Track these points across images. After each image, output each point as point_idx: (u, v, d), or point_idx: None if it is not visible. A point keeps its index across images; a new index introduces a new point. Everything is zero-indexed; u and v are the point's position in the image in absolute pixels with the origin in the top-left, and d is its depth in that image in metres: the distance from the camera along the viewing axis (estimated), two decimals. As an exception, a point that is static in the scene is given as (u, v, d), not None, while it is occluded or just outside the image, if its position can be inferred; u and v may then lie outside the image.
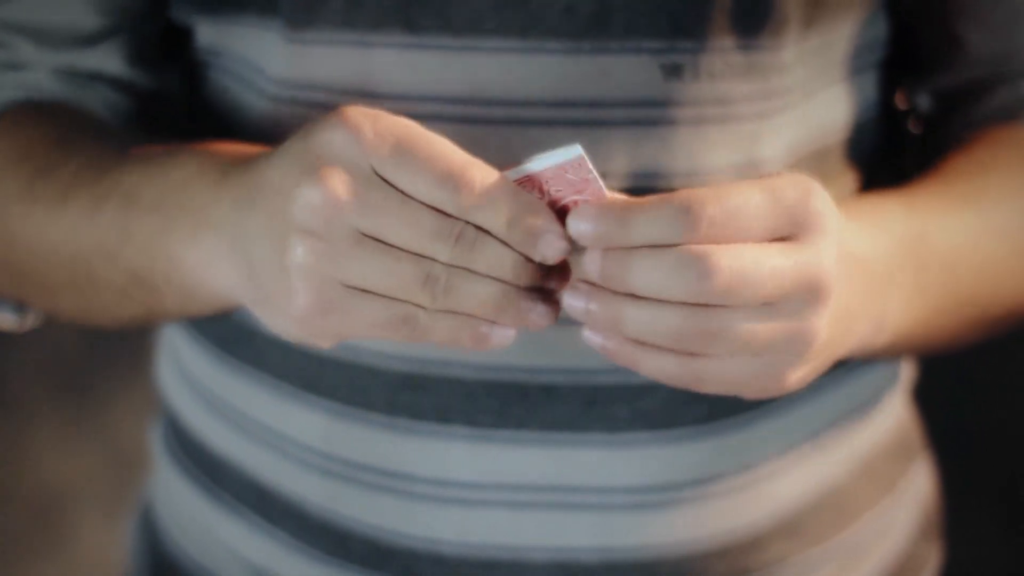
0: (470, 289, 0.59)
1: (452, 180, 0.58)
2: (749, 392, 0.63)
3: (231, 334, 0.78)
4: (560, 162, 0.59)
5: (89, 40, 0.77)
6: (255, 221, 0.62)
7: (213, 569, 0.82)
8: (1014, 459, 1.51)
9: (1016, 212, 0.75)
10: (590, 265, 0.59)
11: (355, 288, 0.60)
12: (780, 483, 0.76)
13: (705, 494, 0.74)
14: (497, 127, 0.69)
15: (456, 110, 0.70)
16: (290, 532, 0.77)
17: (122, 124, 0.79)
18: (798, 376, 0.62)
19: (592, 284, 0.60)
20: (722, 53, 0.69)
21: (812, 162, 0.75)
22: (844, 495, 0.79)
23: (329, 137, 0.59)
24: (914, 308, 0.70)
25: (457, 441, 0.72)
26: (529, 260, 0.60)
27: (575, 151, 0.59)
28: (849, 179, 0.77)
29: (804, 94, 0.73)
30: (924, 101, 0.82)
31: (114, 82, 0.78)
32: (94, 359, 1.73)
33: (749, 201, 0.58)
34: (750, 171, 0.71)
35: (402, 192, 0.59)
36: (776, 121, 0.72)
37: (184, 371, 0.83)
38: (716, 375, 0.61)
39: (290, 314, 0.61)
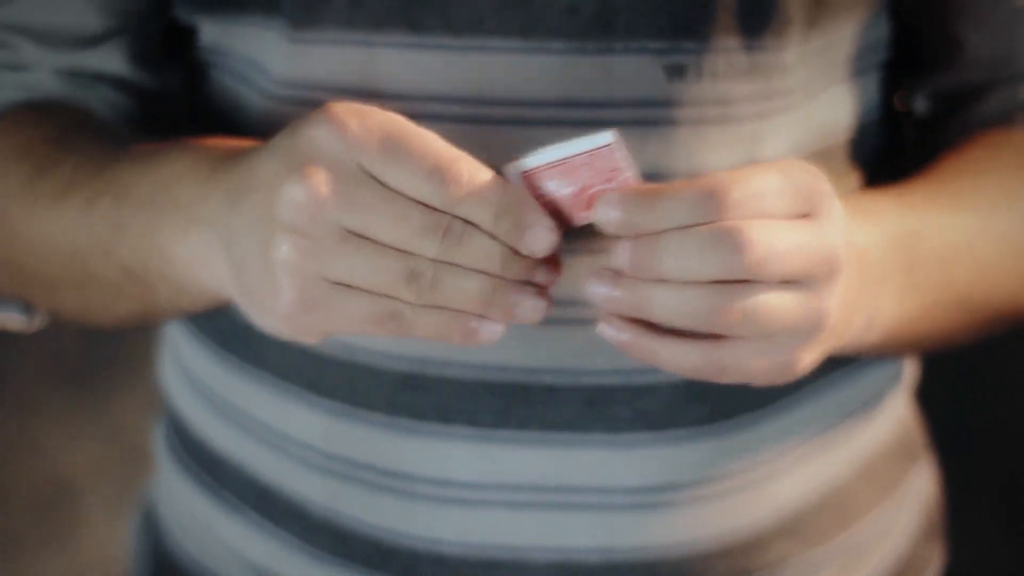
0: (456, 284, 0.60)
1: (439, 173, 0.58)
2: (765, 378, 0.63)
3: (232, 333, 0.78)
4: (591, 148, 0.59)
5: (91, 41, 0.77)
6: (242, 217, 0.62)
7: (214, 569, 0.82)
8: (1015, 459, 1.51)
9: (1013, 213, 0.75)
10: (620, 254, 0.59)
11: (340, 284, 0.60)
12: (782, 483, 0.76)
13: (706, 494, 0.74)
14: (499, 127, 0.69)
15: (458, 110, 0.70)
16: (291, 532, 0.77)
17: (124, 124, 0.79)
18: (809, 360, 0.63)
19: (617, 270, 0.60)
20: (725, 53, 0.69)
21: (815, 163, 0.74)
22: (846, 495, 0.79)
23: (315, 133, 0.60)
24: (905, 306, 0.70)
25: (458, 441, 0.72)
26: (518, 253, 0.60)
27: (607, 137, 0.59)
28: (852, 180, 0.77)
29: (806, 95, 0.73)
30: (920, 104, 0.82)
31: (116, 82, 0.78)
32: (100, 354, 1.74)
33: (768, 183, 0.59)
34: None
35: (389, 187, 0.59)
36: (777, 121, 0.72)
37: (185, 370, 0.83)
38: (736, 361, 0.61)
39: (275, 311, 0.61)
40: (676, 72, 0.69)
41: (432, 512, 0.73)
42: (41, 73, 0.77)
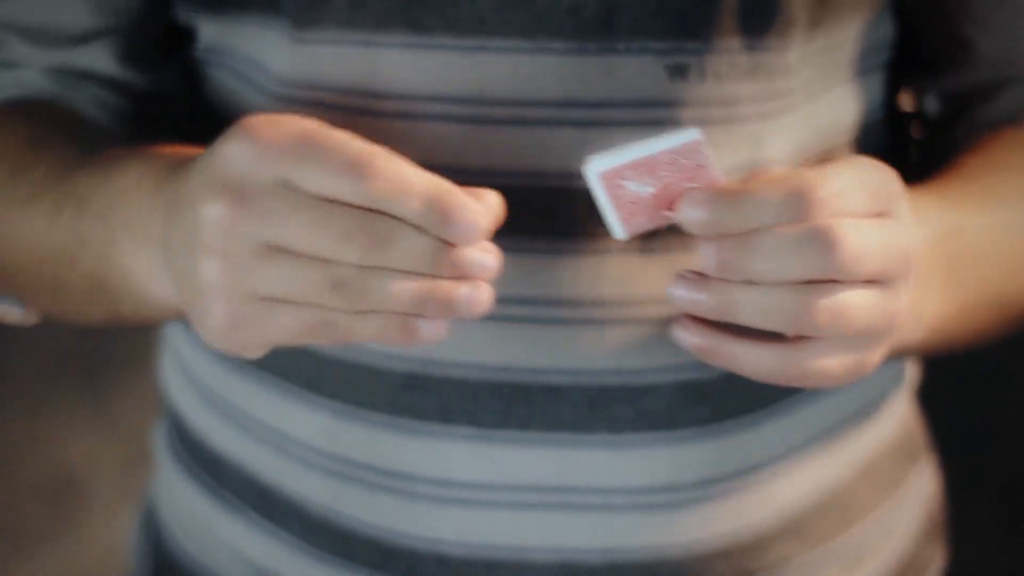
0: (385, 288, 0.58)
1: (356, 170, 0.57)
2: (839, 380, 0.62)
3: (233, 333, 0.78)
4: (675, 145, 0.58)
5: (81, 39, 0.77)
6: (176, 235, 0.62)
7: (215, 569, 0.81)
8: (1016, 459, 1.51)
9: None
10: (706, 256, 0.59)
11: (268, 299, 0.59)
12: (784, 484, 0.76)
13: (708, 495, 0.73)
14: (502, 127, 0.69)
15: (460, 110, 0.69)
16: (292, 532, 0.77)
17: (116, 123, 0.79)
18: (878, 359, 0.63)
19: (699, 273, 0.59)
20: (728, 54, 0.69)
21: (818, 163, 0.74)
22: (848, 496, 0.79)
23: (228, 150, 0.59)
24: (947, 304, 0.70)
25: (460, 441, 0.72)
26: (452, 246, 0.59)
27: (692, 134, 0.58)
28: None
29: (809, 95, 0.73)
30: (932, 104, 0.82)
31: (106, 81, 0.78)
32: (104, 349, 1.74)
33: (848, 181, 0.59)
34: (754, 172, 0.71)
35: (311, 194, 0.58)
36: (780, 122, 0.72)
37: (186, 370, 0.83)
38: (815, 362, 0.61)
39: (210, 329, 0.61)
40: (678, 72, 0.69)
41: (433, 512, 0.73)
42: (30, 71, 0.77)
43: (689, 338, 0.61)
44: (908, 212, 0.62)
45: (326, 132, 0.58)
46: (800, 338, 0.61)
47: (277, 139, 0.58)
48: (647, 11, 0.68)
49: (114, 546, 1.70)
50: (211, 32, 0.77)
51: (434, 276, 0.59)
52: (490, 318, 0.70)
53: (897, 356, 0.73)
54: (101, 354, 1.74)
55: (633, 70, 0.69)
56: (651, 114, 0.69)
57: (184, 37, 0.80)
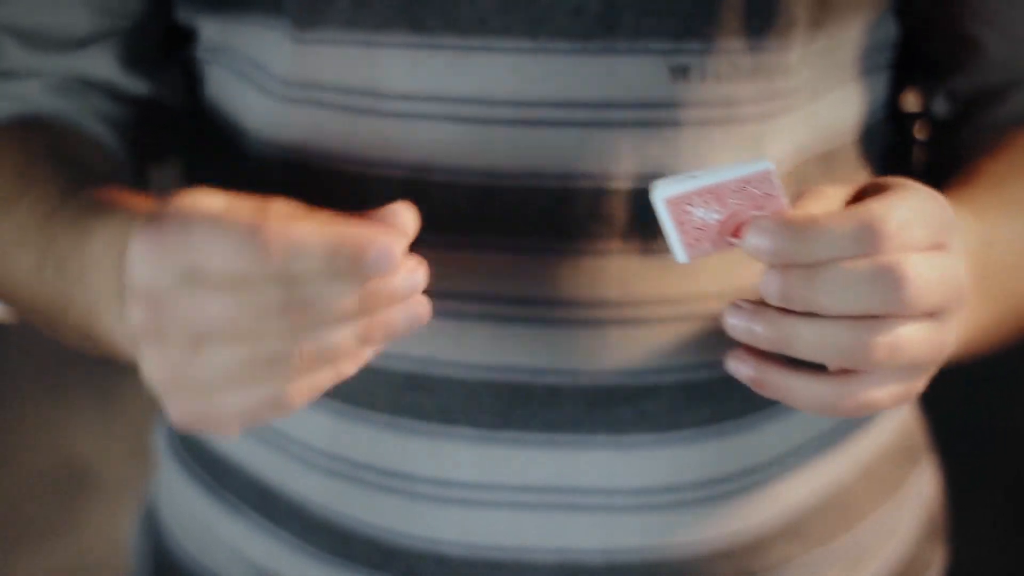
0: (324, 345, 0.57)
1: (250, 245, 0.55)
2: (888, 409, 0.62)
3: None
4: (746, 174, 0.58)
5: (80, 42, 0.76)
6: (127, 328, 0.61)
7: (215, 569, 0.82)
8: (1017, 459, 1.50)
9: None
10: (769, 285, 0.58)
11: (216, 387, 0.58)
12: (784, 485, 0.76)
13: (709, 496, 0.73)
14: (504, 127, 0.69)
15: (462, 110, 0.69)
16: (292, 532, 0.77)
17: (117, 135, 0.78)
18: (923, 387, 0.63)
19: (755, 303, 0.59)
20: (729, 54, 0.69)
21: (819, 164, 0.74)
22: (848, 497, 0.79)
23: (132, 258, 0.58)
24: (980, 317, 0.69)
25: (460, 442, 0.72)
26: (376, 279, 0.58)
27: (765, 164, 0.57)
28: (857, 182, 0.77)
29: (810, 95, 0.73)
30: (941, 105, 0.81)
31: (106, 88, 0.78)
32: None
33: (910, 212, 0.59)
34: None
35: (220, 280, 0.56)
36: (780, 122, 0.72)
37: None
38: (869, 395, 0.61)
39: (175, 419, 0.60)
40: (680, 73, 0.69)
41: (434, 513, 0.73)
42: (31, 83, 0.77)
43: (744, 370, 0.61)
44: (961, 242, 0.62)
45: (210, 216, 0.56)
46: (847, 369, 0.61)
47: (172, 234, 0.56)
48: (649, 11, 0.68)
49: (120, 538, 1.70)
50: (212, 32, 0.77)
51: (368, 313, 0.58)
52: (491, 318, 0.70)
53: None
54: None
55: (635, 70, 0.69)
56: (653, 115, 0.69)
57: (184, 38, 0.80)
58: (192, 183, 0.83)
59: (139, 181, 0.80)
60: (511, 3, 0.68)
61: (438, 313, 0.71)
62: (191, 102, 0.81)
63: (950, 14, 0.78)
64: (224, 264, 0.56)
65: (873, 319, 0.58)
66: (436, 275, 0.71)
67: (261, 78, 0.74)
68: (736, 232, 0.59)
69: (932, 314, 0.60)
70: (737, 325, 0.59)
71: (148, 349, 0.58)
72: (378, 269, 0.56)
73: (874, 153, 0.79)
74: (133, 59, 0.78)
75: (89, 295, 0.66)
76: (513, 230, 0.70)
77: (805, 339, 0.59)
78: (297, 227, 0.56)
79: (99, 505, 1.76)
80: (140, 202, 0.66)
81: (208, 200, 0.57)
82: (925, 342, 0.60)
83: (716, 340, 0.71)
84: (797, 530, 0.77)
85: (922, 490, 0.86)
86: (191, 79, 0.81)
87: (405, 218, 0.59)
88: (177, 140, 0.83)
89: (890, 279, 0.58)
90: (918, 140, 0.84)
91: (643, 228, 0.70)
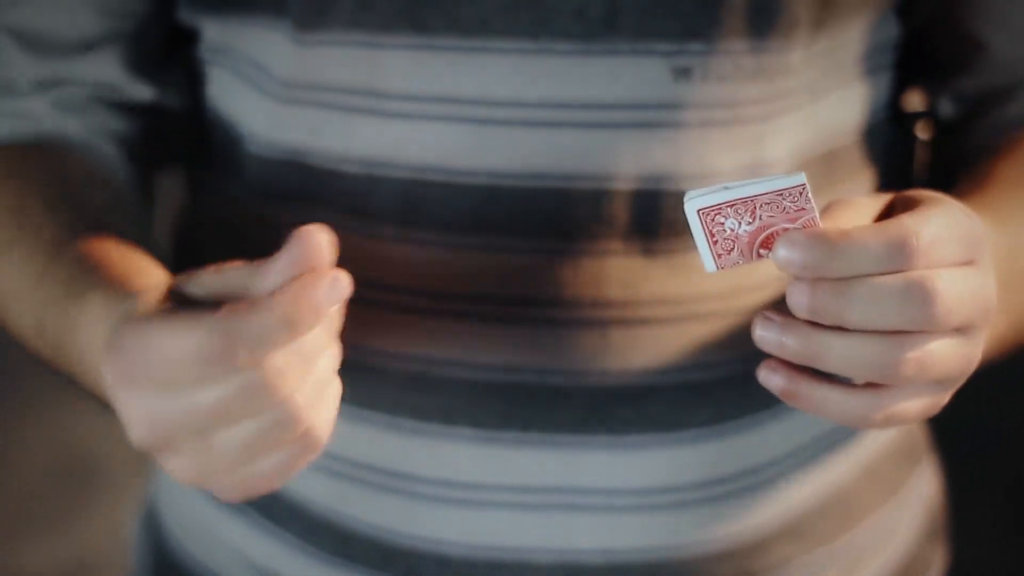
0: (314, 397, 0.57)
1: (214, 347, 0.55)
2: (915, 421, 0.62)
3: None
4: (780, 187, 0.58)
5: (84, 46, 0.76)
6: (138, 442, 0.60)
7: (216, 569, 0.81)
8: (1018, 460, 1.50)
9: None
10: (798, 298, 0.58)
11: (230, 461, 0.58)
12: (785, 485, 0.76)
13: (710, 496, 0.73)
14: (505, 128, 0.69)
15: (465, 111, 0.69)
16: (294, 532, 0.77)
17: (123, 151, 0.77)
18: (948, 399, 0.63)
19: (785, 315, 0.58)
20: (731, 55, 0.69)
21: (821, 164, 0.74)
22: (849, 497, 0.79)
23: (111, 393, 0.58)
24: (999, 326, 0.69)
25: (462, 442, 0.72)
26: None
27: (799, 178, 0.58)
28: (859, 182, 0.77)
29: (811, 96, 0.73)
30: (946, 106, 0.81)
31: (111, 97, 0.77)
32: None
33: (942, 228, 0.58)
34: (756, 173, 0.71)
35: (201, 376, 0.56)
36: (781, 122, 0.72)
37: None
38: (899, 408, 0.60)
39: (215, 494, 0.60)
40: (683, 74, 0.69)
41: (435, 513, 0.73)
42: (36, 100, 0.76)
43: (776, 380, 0.60)
44: (990, 258, 0.61)
45: (167, 324, 0.56)
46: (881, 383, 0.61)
47: (136, 361, 0.57)
48: (652, 13, 0.68)
49: (122, 533, 1.70)
50: (214, 33, 0.77)
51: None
52: (492, 319, 0.70)
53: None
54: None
55: (637, 72, 0.69)
56: (654, 116, 0.69)
57: (186, 40, 0.80)
58: (192, 183, 0.83)
59: (143, 193, 0.79)
60: (513, 4, 0.68)
61: (439, 313, 0.71)
62: (193, 103, 0.81)
63: (954, 14, 0.78)
64: (196, 368, 0.55)
65: (903, 334, 0.58)
66: (437, 276, 0.71)
67: (262, 79, 0.74)
68: (767, 244, 0.59)
69: (961, 329, 0.60)
70: (766, 337, 0.59)
71: (167, 462, 0.58)
72: (328, 307, 0.55)
73: (876, 153, 0.79)
74: (138, 62, 0.77)
75: (88, 376, 0.66)
76: (514, 231, 0.70)
77: (835, 353, 0.58)
78: (246, 308, 0.55)
79: (102, 501, 1.76)
80: (115, 279, 0.66)
81: (157, 306, 0.57)
82: (954, 358, 0.60)
83: (717, 341, 0.72)
84: (798, 530, 0.77)
85: (922, 490, 0.86)
86: (193, 80, 0.81)
87: (320, 242, 0.57)
88: (180, 145, 0.83)
89: (920, 295, 0.57)
90: (920, 140, 0.84)
91: (644, 229, 0.70)
